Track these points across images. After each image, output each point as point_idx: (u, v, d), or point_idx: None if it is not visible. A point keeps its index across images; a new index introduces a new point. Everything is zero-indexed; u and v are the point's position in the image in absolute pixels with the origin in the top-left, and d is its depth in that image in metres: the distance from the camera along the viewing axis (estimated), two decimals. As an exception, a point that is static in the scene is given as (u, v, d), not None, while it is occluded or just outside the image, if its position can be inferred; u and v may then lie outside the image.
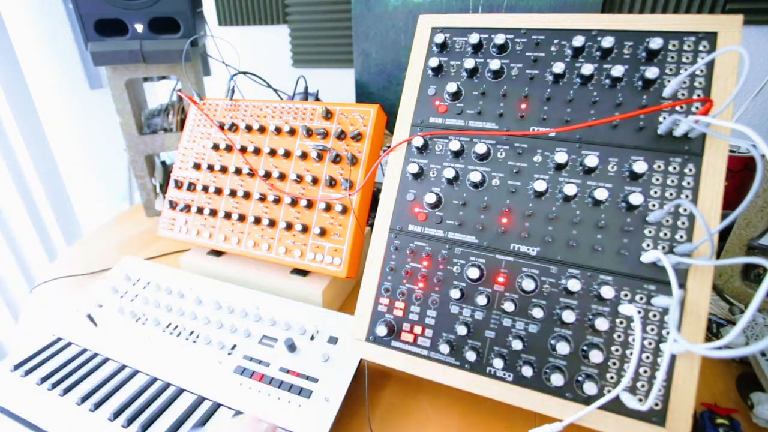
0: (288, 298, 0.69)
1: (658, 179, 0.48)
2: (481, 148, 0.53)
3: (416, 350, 0.53)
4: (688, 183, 0.46)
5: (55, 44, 1.45)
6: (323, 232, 0.70)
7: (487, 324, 0.51)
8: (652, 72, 0.47)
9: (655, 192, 0.48)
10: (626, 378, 0.43)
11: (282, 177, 0.75)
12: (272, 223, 0.74)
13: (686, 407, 0.43)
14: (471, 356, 0.50)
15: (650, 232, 0.47)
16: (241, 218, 0.77)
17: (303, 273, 0.76)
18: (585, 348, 0.47)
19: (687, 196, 0.46)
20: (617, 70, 0.49)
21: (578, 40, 0.51)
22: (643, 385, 0.45)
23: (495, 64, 0.54)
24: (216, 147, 0.82)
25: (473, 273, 0.51)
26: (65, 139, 1.55)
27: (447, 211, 0.55)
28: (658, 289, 0.46)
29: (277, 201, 0.75)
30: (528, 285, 0.49)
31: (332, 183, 0.71)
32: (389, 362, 0.54)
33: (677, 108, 0.48)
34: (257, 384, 0.57)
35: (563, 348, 0.46)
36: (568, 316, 0.47)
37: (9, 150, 1.40)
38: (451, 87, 0.56)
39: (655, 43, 0.48)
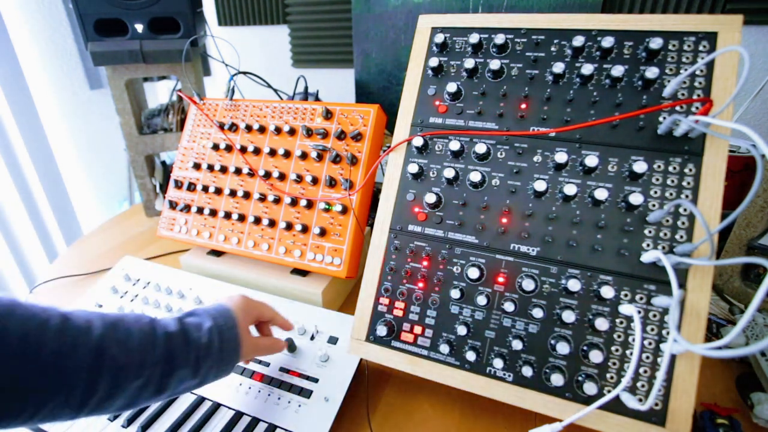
0: (288, 298, 0.69)
1: (658, 179, 0.48)
2: (481, 148, 0.53)
3: (416, 350, 0.53)
4: (688, 183, 0.46)
5: (55, 44, 1.45)
6: (323, 232, 0.70)
7: (487, 324, 0.51)
8: (652, 72, 0.47)
9: (655, 192, 0.48)
10: (626, 378, 0.43)
11: (282, 177, 0.75)
12: (272, 223, 0.74)
13: (686, 407, 0.43)
14: (471, 356, 0.50)
15: (650, 232, 0.47)
16: (241, 218, 0.77)
17: (303, 273, 0.76)
18: (585, 348, 0.47)
19: (687, 196, 0.46)
20: (617, 70, 0.49)
21: (578, 40, 0.51)
22: (643, 385, 0.45)
23: (495, 64, 0.54)
24: (216, 147, 0.82)
25: (473, 273, 0.51)
26: (65, 139, 1.55)
27: (447, 211, 0.55)
28: (658, 289, 0.46)
29: (277, 201, 0.75)
30: (528, 285, 0.49)
31: (332, 183, 0.71)
32: (389, 362, 0.54)
33: (677, 108, 0.48)
34: (257, 384, 0.57)
35: (563, 348, 0.46)
36: (568, 316, 0.47)
37: (9, 150, 1.40)
38: (451, 87, 0.56)
39: (655, 43, 0.48)
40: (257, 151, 0.78)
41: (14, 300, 0.34)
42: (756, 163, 0.37)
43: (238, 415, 0.54)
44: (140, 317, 0.43)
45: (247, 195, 0.77)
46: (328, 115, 0.74)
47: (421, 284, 0.55)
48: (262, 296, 0.70)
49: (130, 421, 0.54)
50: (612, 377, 0.46)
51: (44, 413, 0.33)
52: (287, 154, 0.75)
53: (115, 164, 1.72)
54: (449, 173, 0.54)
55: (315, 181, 0.72)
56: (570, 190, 0.49)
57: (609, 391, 0.45)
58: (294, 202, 0.73)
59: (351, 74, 1.35)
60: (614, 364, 0.46)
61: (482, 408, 0.56)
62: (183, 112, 1.08)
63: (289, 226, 0.73)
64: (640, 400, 0.44)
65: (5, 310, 0.32)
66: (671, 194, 0.47)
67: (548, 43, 0.54)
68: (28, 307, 0.34)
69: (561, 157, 0.50)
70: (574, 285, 0.47)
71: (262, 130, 0.79)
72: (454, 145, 0.55)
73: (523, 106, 0.54)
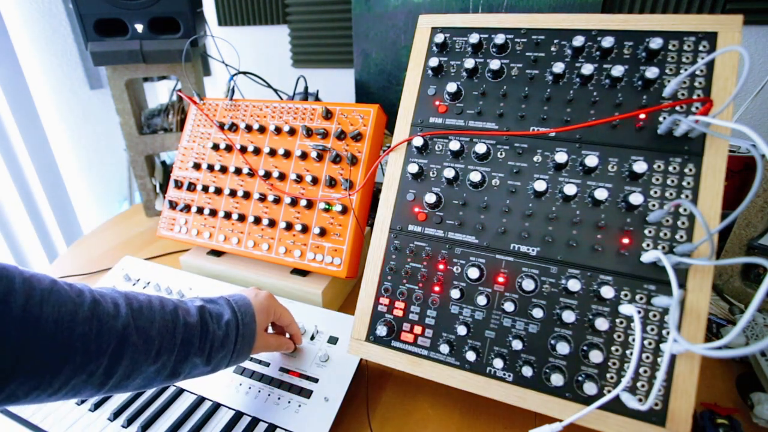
0: (288, 298, 0.69)
1: (658, 179, 0.48)
2: (481, 148, 0.53)
3: (416, 350, 0.53)
4: (688, 183, 0.46)
5: (55, 44, 1.45)
6: (323, 232, 0.70)
7: (487, 324, 0.51)
8: (652, 72, 0.47)
9: (655, 192, 0.48)
10: (626, 378, 0.43)
11: (282, 177, 0.75)
12: (272, 223, 0.74)
13: (686, 407, 0.43)
14: (471, 356, 0.50)
15: (650, 232, 0.47)
16: (241, 218, 0.77)
17: (303, 273, 0.76)
18: (585, 348, 0.47)
19: (687, 196, 0.46)
20: (617, 70, 0.49)
21: (578, 40, 0.51)
22: (643, 385, 0.45)
23: (495, 64, 0.54)
24: (216, 147, 0.82)
25: (473, 273, 0.51)
26: (65, 139, 1.55)
27: (447, 211, 0.55)
28: (658, 289, 0.46)
29: (277, 201, 0.75)
30: (528, 285, 0.49)
31: (332, 183, 0.71)
32: (389, 362, 0.54)
33: (677, 108, 0.48)
34: (257, 384, 0.57)
35: (563, 348, 0.46)
36: (568, 316, 0.47)
37: (9, 150, 1.40)
38: (451, 87, 0.56)
39: (655, 43, 0.48)
40: (257, 151, 0.78)
41: (53, 282, 0.36)
42: (756, 163, 0.37)
43: (238, 415, 0.54)
44: (165, 303, 0.44)
45: (247, 195, 0.77)
46: (328, 115, 0.74)
47: (421, 284, 0.55)
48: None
49: (130, 421, 0.54)
50: (612, 377, 0.46)
51: (69, 388, 0.36)
52: (287, 154, 0.75)
53: (115, 164, 1.72)
54: (449, 173, 0.54)
55: (315, 181, 0.72)
56: (570, 190, 0.49)
57: (609, 391, 0.45)
58: (294, 202, 0.73)
59: (351, 74, 1.35)
60: (614, 364, 0.46)
61: (482, 408, 0.56)
62: (183, 112, 1.08)
63: (289, 226, 0.73)
64: (640, 400, 0.44)
65: (44, 294, 0.34)
66: (671, 194, 0.47)
67: (548, 43, 0.54)
68: (64, 291, 0.36)
69: (561, 157, 0.50)
70: (574, 285, 0.47)
71: (262, 130, 0.79)
72: (454, 145, 0.55)
73: (523, 106, 0.54)
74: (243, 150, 0.79)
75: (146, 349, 0.40)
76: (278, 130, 0.77)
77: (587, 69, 0.50)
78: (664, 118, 0.48)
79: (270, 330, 0.58)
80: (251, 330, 0.50)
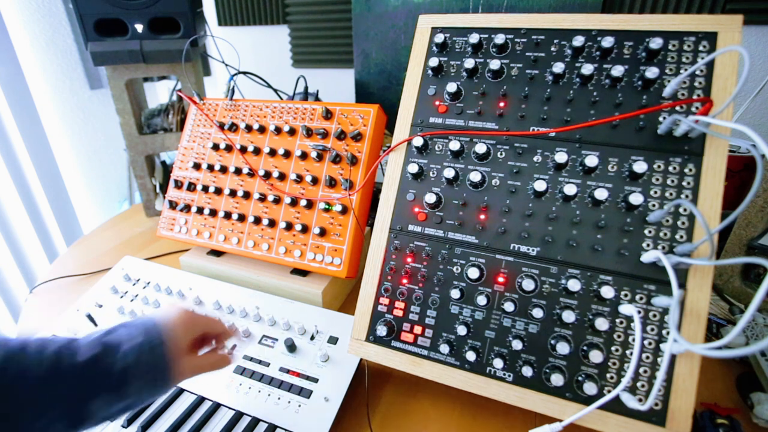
0: (288, 298, 0.69)
1: (658, 179, 0.48)
2: (481, 148, 0.54)
3: (416, 350, 0.53)
4: (688, 183, 0.46)
5: (55, 44, 1.45)
6: (323, 232, 0.70)
7: (487, 324, 0.51)
8: (652, 72, 0.47)
9: (655, 192, 0.48)
10: (626, 378, 0.43)
11: (282, 177, 0.75)
12: (272, 223, 0.74)
13: (686, 407, 0.43)
14: (471, 356, 0.50)
15: (650, 232, 0.47)
16: (241, 218, 0.77)
17: (303, 273, 0.76)
18: (585, 348, 0.47)
19: (687, 196, 0.46)
20: (617, 70, 0.49)
21: (578, 40, 0.51)
22: (643, 385, 0.45)
23: (495, 64, 0.54)
24: (216, 147, 0.82)
25: (473, 273, 0.51)
26: (65, 139, 1.55)
27: (447, 211, 0.55)
28: (658, 289, 0.46)
29: (277, 201, 0.75)
30: (528, 285, 0.49)
31: (332, 183, 0.71)
32: (389, 362, 0.54)
33: (677, 108, 0.48)
34: (257, 384, 0.57)
35: (563, 348, 0.46)
36: (568, 316, 0.47)
37: (9, 150, 1.39)
38: (451, 87, 0.56)
39: (655, 43, 0.48)
40: (257, 151, 0.78)
41: None
42: (756, 163, 0.37)
43: (238, 415, 0.54)
44: (45, 346, 0.39)
45: (247, 195, 0.77)
46: (328, 115, 0.74)
47: (421, 284, 0.55)
48: (262, 296, 0.70)
49: (129, 421, 0.54)
50: (612, 377, 0.46)
51: None
52: (287, 154, 0.75)
53: (115, 164, 1.72)
54: (449, 173, 0.54)
55: (315, 181, 0.72)
56: (570, 190, 0.49)
57: (609, 391, 0.45)
58: (294, 202, 0.73)
59: (351, 74, 1.35)
60: (614, 364, 0.46)
61: (482, 408, 0.56)
62: (183, 112, 1.08)
63: (289, 226, 0.73)
64: (640, 400, 0.44)
65: None
66: (671, 194, 0.47)
67: (548, 43, 0.54)
68: None
69: (561, 157, 0.50)
70: (574, 285, 0.47)
71: (262, 130, 0.79)
72: (454, 145, 0.55)
73: (523, 105, 0.54)
74: (243, 150, 0.79)
75: (22, 404, 0.35)
76: (278, 130, 0.77)
77: (587, 69, 0.50)
78: (664, 118, 0.48)
79: (205, 348, 0.52)
80: (159, 354, 0.43)
